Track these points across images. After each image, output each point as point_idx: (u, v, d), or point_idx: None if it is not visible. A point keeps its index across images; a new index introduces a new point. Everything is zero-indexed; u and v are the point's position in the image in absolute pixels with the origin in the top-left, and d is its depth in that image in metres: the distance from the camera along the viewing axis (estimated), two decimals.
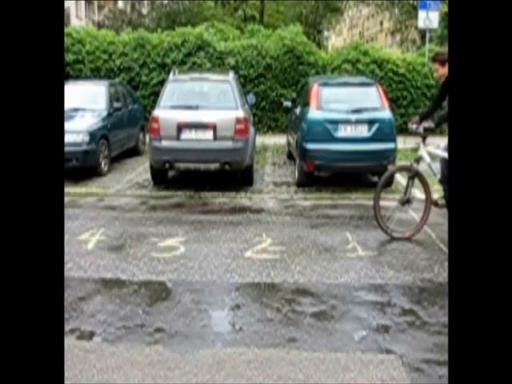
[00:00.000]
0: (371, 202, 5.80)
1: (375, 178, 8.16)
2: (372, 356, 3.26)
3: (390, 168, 6.98)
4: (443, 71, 5.41)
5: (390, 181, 5.57)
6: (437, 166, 5.51)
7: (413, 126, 5.64)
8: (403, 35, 29.85)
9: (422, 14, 13.91)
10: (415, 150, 10.77)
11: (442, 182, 5.52)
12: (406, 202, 5.62)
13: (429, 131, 5.48)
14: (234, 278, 4.51)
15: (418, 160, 5.54)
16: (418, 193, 5.93)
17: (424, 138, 5.54)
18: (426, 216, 5.62)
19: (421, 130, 5.50)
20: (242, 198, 7.38)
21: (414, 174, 5.51)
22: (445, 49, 13.56)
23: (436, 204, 5.66)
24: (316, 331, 3.59)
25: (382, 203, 5.68)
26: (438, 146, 5.64)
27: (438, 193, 5.81)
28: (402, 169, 6.23)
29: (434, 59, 5.49)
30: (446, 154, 5.44)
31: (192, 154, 7.54)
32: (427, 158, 5.54)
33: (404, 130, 13.13)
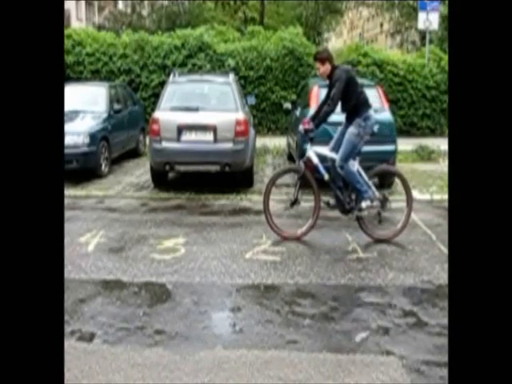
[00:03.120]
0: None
1: (375, 180, 8.15)
2: (372, 357, 3.26)
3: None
4: (324, 69, 5.42)
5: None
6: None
7: (300, 127, 5.67)
8: (403, 37, 29.88)
9: (421, 16, 13.94)
10: (416, 151, 10.79)
11: (330, 182, 5.56)
12: (294, 202, 5.65)
13: (310, 132, 5.48)
14: (235, 279, 4.51)
15: (306, 161, 5.57)
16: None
17: (310, 139, 5.56)
18: (315, 215, 5.65)
19: (302, 130, 5.54)
20: (243, 200, 7.38)
21: (302, 175, 5.54)
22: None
23: (328, 204, 5.73)
24: (316, 333, 3.58)
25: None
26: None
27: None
28: (290, 170, 6.22)
29: (315, 58, 5.50)
30: (333, 155, 5.47)
31: (192, 156, 7.54)
32: (315, 159, 5.58)
33: (404, 132, 13.16)
